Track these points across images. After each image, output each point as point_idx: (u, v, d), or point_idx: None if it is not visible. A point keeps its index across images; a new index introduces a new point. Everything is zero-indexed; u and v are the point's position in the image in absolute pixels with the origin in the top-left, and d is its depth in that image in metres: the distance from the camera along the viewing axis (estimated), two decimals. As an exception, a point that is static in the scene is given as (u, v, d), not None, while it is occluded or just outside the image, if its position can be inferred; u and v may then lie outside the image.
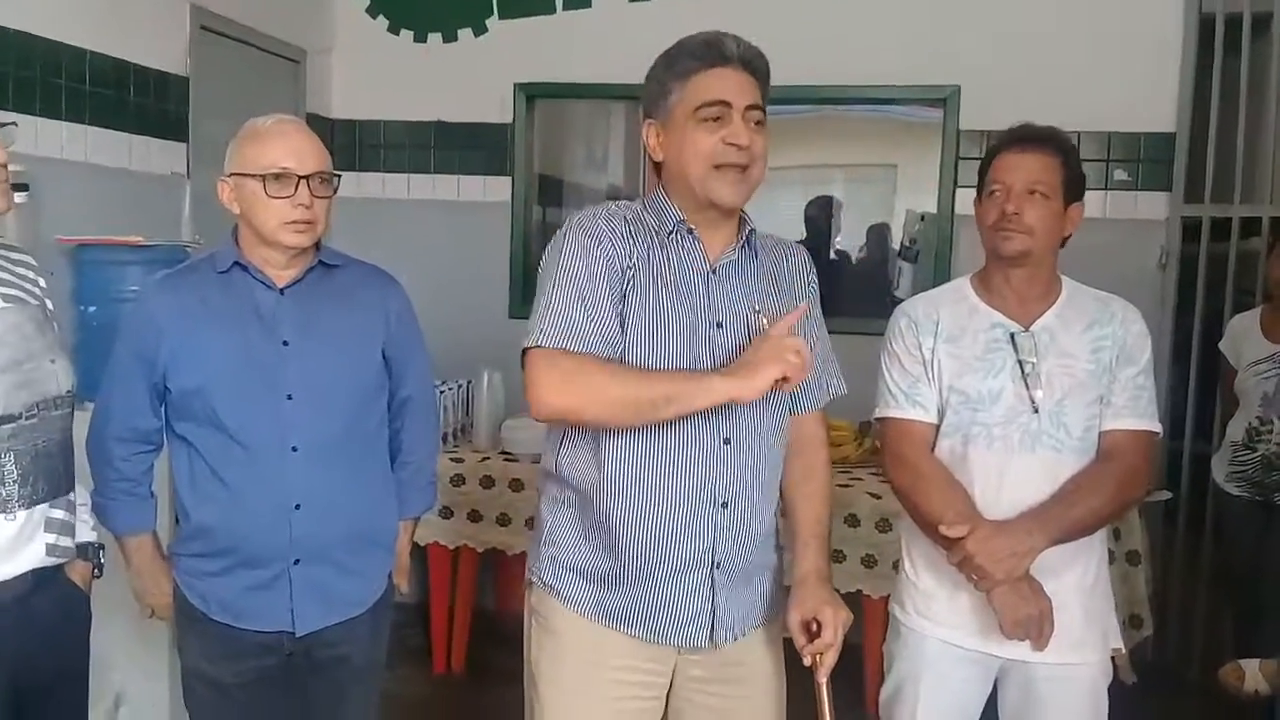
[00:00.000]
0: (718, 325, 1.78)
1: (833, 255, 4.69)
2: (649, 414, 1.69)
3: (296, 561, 1.99)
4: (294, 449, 1.96)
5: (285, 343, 1.98)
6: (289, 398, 1.96)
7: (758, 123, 1.75)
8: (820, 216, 4.59)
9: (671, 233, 1.80)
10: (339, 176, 2.01)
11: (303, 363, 1.98)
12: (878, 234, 4.65)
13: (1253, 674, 2.84)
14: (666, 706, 1.88)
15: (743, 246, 1.83)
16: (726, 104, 1.73)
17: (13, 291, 1.77)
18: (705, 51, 1.76)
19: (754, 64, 1.77)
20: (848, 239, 4.70)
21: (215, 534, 1.99)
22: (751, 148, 1.74)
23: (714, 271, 1.81)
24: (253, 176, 1.92)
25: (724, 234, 1.83)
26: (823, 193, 4.65)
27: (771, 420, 1.83)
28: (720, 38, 1.77)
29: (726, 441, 1.77)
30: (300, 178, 1.92)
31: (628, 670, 1.83)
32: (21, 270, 1.83)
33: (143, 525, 2.07)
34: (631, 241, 1.78)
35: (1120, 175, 4.07)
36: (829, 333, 1.97)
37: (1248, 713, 2.95)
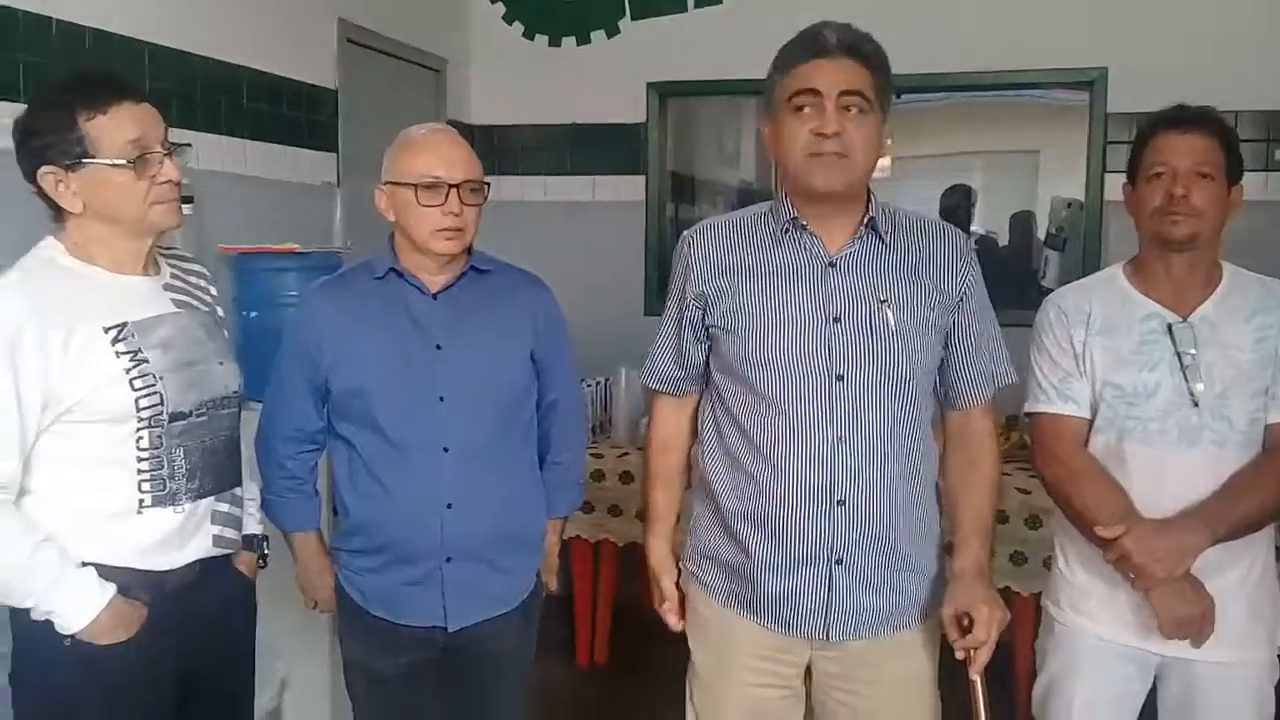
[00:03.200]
0: (835, 320, 1.76)
1: (973, 244, 4.59)
2: None
3: (448, 559, 2.04)
4: (445, 449, 2.02)
5: (438, 346, 2.03)
6: (441, 399, 2.02)
7: (859, 109, 1.72)
8: (957, 206, 4.50)
9: (786, 230, 1.81)
10: (488, 184, 2.05)
11: (455, 365, 2.03)
12: (1022, 222, 4.54)
13: None
14: (810, 700, 1.90)
15: (864, 236, 1.80)
16: (816, 92, 1.71)
17: (184, 298, 1.88)
18: (805, 43, 1.75)
19: (860, 50, 1.73)
20: (987, 227, 4.60)
21: (372, 531, 2.06)
22: (844, 135, 1.70)
23: (833, 264, 1.79)
24: (405, 185, 1.97)
25: (845, 224, 1.80)
26: (960, 181, 4.56)
27: (899, 418, 1.78)
28: (822, 28, 1.74)
29: (841, 439, 1.75)
30: (450, 186, 1.96)
31: (759, 659, 1.86)
32: (194, 279, 1.95)
33: (309, 522, 2.17)
34: (734, 250, 1.84)
35: (1282, 155, 3.88)
36: None
37: None
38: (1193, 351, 1.96)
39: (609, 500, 3.66)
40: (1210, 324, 1.97)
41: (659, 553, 2.03)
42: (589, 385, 3.92)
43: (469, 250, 2.09)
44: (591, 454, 3.70)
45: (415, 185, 1.96)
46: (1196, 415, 1.95)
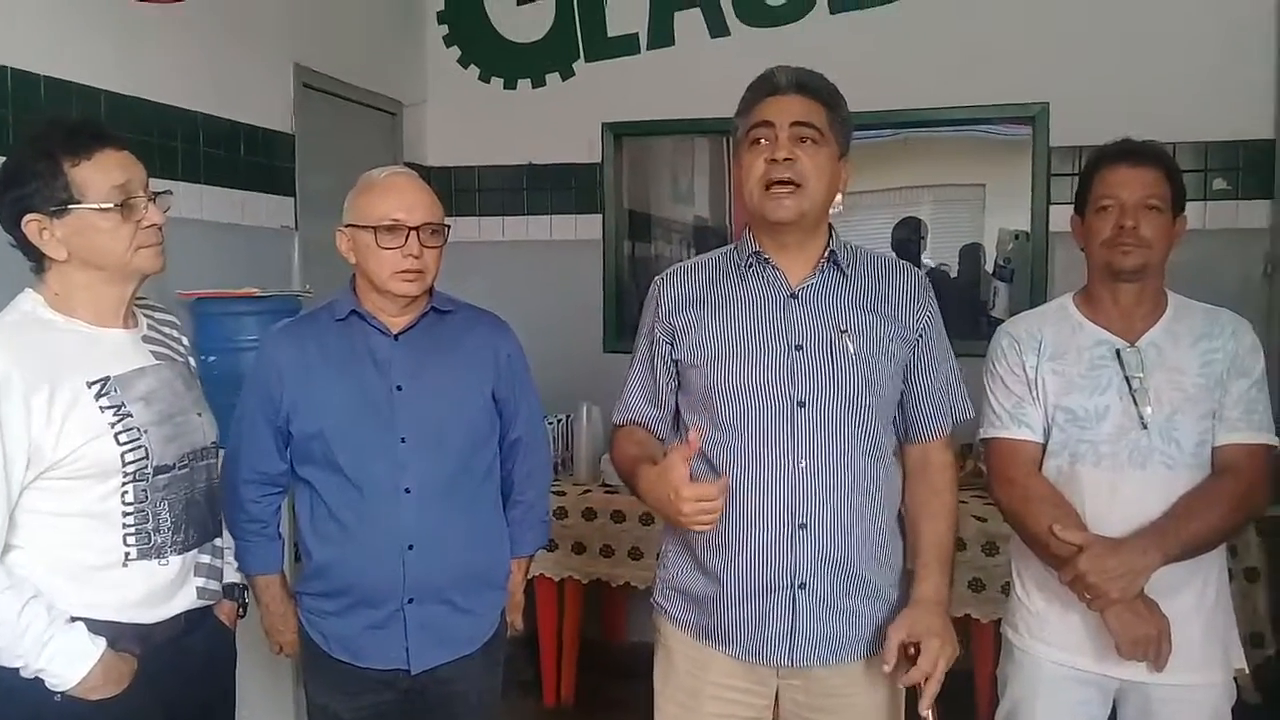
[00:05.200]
0: (797, 347, 1.81)
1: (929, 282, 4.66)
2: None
3: (410, 600, 2.04)
4: (407, 490, 2.02)
5: (399, 387, 2.04)
6: (402, 441, 2.02)
7: (810, 140, 1.78)
8: (908, 239, 4.58)
9: (750, 264, 1.86)
10: (449, 226, 2.08)
11: (415, 406, 2.04)
12: (971, 254, 4.62)
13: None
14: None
15: (825, 269, 1.85)
16: (769, 124, 1.79)
17: (161, 349, 1.88)
18: (760, 85, 1.84)
19: (809, 85, 1.82)
20: (938, 260, 4.68)
21: (333, 573, 2.06)
22: (798, 164, 1.77)
23: (795, 295, 1.84)
24: (365, 228, 2.00)
25: (806, 258, 1.86)
26: (911, 214, 4.64)
27: (859, 444, 1.81)
28: (773, 71, 1.84)
29: (803, 464, 1.78)
30: (410, 229, 1.99)
31: (727, 688, 1.87)
32: (167, 329, 1.95)
33: (272, 565, 2.16)
34: (701, 287, 1.90)
35: (1219, 185, 3.99)
36: None
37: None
38: (1140, 375, 2.01)
39: (572, 538, 3.66)
40: (1158, 349, 2.03)
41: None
42: (550, 423, 3.93)
43: (430, 291, 2.10)
44: (554, 491, 3.70)
45: (375, 228, 1.98)
46: (1146, 438, 1.99)
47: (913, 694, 1.79)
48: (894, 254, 4.49)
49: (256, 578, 2.15)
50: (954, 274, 4.64)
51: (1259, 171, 3.97)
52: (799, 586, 1.80)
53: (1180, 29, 3.98)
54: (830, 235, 1.88)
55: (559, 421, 3.98)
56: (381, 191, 2.03)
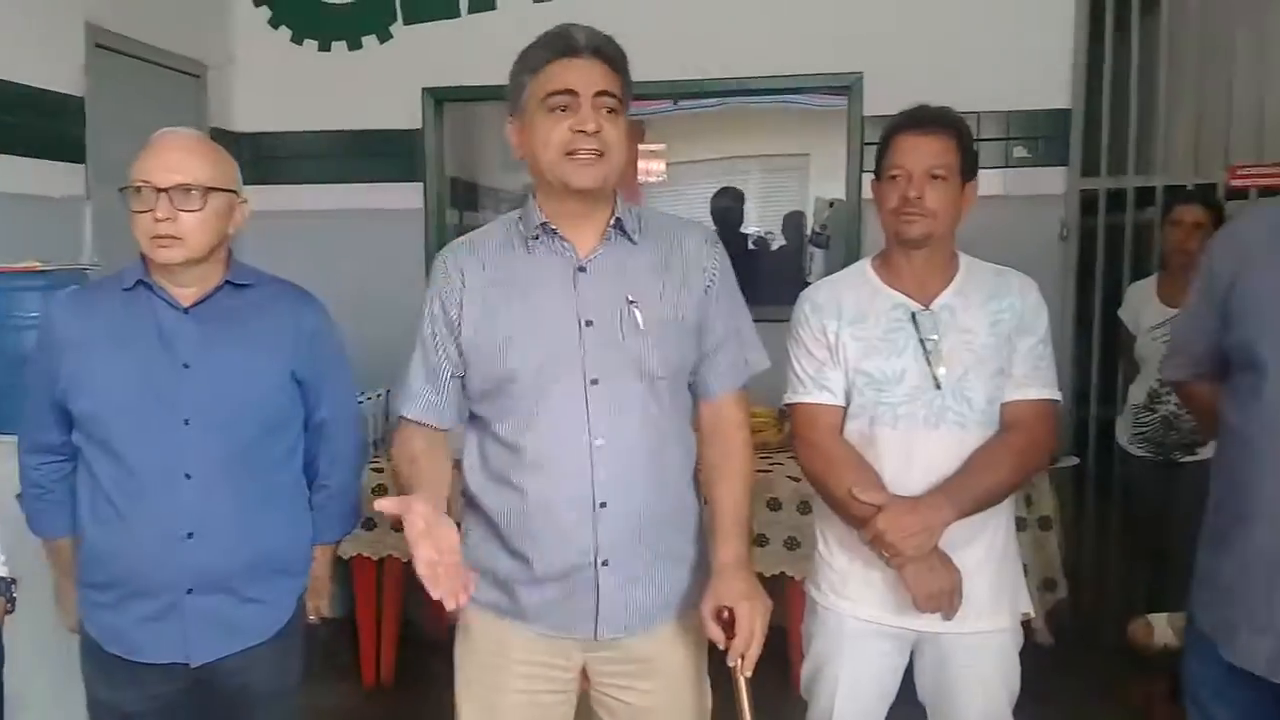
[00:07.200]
0: (588, 323, 1.77)
1: (751, 245, 4.75)
2: None
3: (189, 591, 1.94)
4: (187, 476, 1.92)
5: (186, 365, 1.94)
6: (186, 422, 1.92)
7: (610, 110, 1.75)
8: (728, 208, 4.65)
9: (537, 236, 1.80)
10: (217, 190, 1.93)
11: (203, 386, 1.93)
12: (794, 222, 4.73)
13: (1161, 628, 2.94)
14: (590, 700, 1.91)
15: (612, 237, 1.82)
16: (573, 92, 1.72)
17: None
18: (554, 42, 1.76)
19: (605, 52, 1.76)
20: (765, 228, 4.76)
21: (106, 561, 1.95)
22: (602, 134, 1.73)
23: (583, 269, 1.80)
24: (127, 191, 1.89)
25: (594, 227, 1.81)
26: (737, 184, 4.71)
27: (655, 417, 1.80)
28: (568, 28, 1.76)
29: (600, 442, 1.76)
30: (159, 190, 1.87)
31: (531, 665, 1.85)
32: None
33: (58, 529, 2.05)
34: (487, 265, 1.82)
35: (1020, 152, 4.17)
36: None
37: (1158, 665, 3.05)
38: (934, 337, 2.06)
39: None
40: (950, 311, 2.08)
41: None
42: (370, 398, 3.84)
43: (228, 262, 2.01)
44: (374, 468, 3.61)
45: (128, 190, 1.89)
46: (940, 398, 2.05)
47: (718, 648, 1.80)
48: (711, 221, 4.55)
49: (47, 542, 2.06)
50: (781, 242, 4.74)
51: (1056, 139, 4.17)
52: (603, 564, 1.79)
53: (986, 1, 4.13)
54: (615, 203, 1.84)
55: (379, 397, 3.88)
56: (144, 153, 1.91)
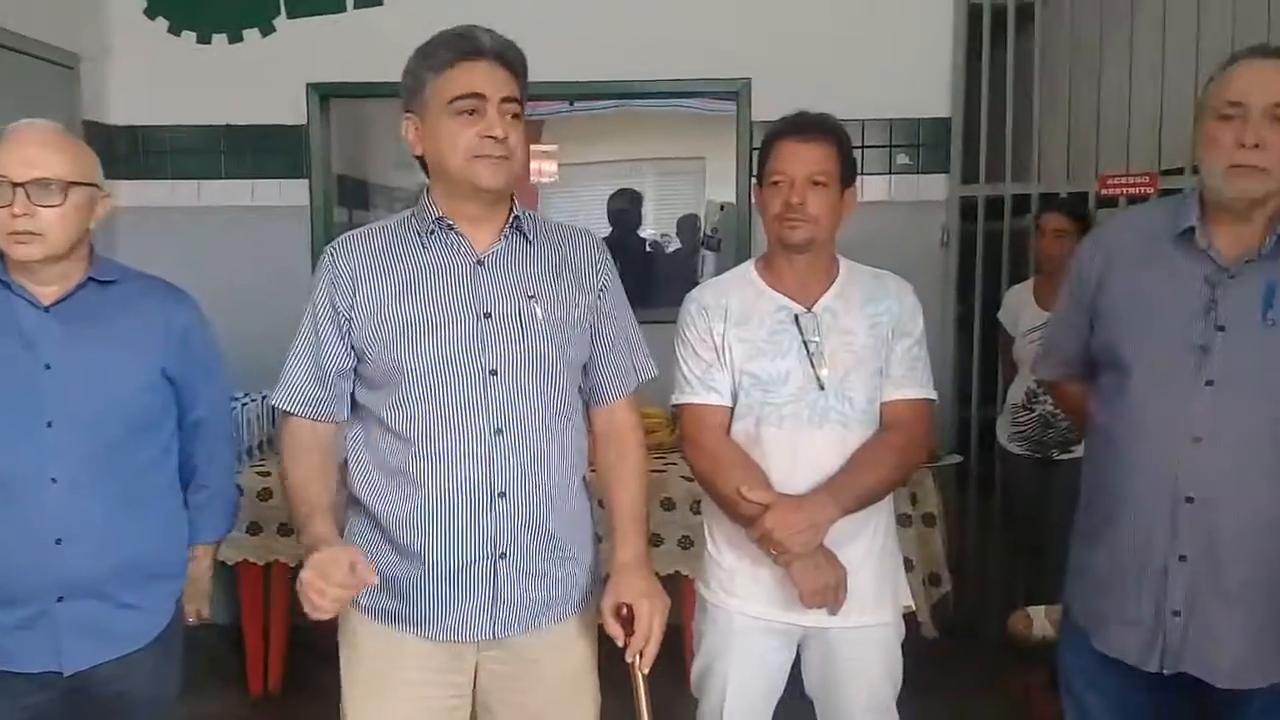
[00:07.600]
0: (485, 315, 1.79)
1: (647, 248, 4.77)
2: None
3: (60, 599, 1.88)
4: (53, 480, 1.86)
5: (48, 365, 1.87)
6: (49, 425, 1.86)
7: (514, 115, 1.77)
8: (625, 209, 4.66)
9: (432, 231, 1.81)
10: (77, 185, 1.87)
11: (66, 387, 1.87)
12: (689, 225, 4.75)
13: (1039, 621, 3.05)
14: (477, 704, 1.89)
15: (511, 235, 1.84)
16: (481, 96, 1.74)
17: None
18: (458, 43, 1.76)
19: (507, 56, 1.78)
20: (661, 231, 4.78)
21: None
22: (508, 140, 1.75)
23: (481, 262, 1.82)
24: None
25: (492, 225, 1.84)
26: (633, 186, 4.72)
27: (551, 410, 1.83)
28: (473, 30, 1.77)
29: (499, 432, 1.77)
30: (15, 185, 1.81)
31: (423, 670, 1.83)
32: None
33: None
34: (379, 258, 1.81)
35: (903, 160, 4.25)
36: (643, 322, 2.01)
37: (1037, 656, 3.16)
38: (816, 339, 2.11)
39: (278, 519, 3.48)
40: (831, 313, 2.13)
41: (328, 538, 1.71)
42: (253, 399, 3.74)
43: (90, 258, 1.94)
44: (258, 471, 3.54)
45: None
46: (823, 398, 2.09)
47: (612, 651, 1.82)
48: (609, 225, 4.56)
49: None
50: (676, 245, 4.76)
51: (938, 147, 4.27)
52: (500, 556, 1.79)
53: (870, 12, 4.22)
54: (513, 203, 1.86)
55: (263, 398, 3.78)
56: (1, 145, 1.85)
